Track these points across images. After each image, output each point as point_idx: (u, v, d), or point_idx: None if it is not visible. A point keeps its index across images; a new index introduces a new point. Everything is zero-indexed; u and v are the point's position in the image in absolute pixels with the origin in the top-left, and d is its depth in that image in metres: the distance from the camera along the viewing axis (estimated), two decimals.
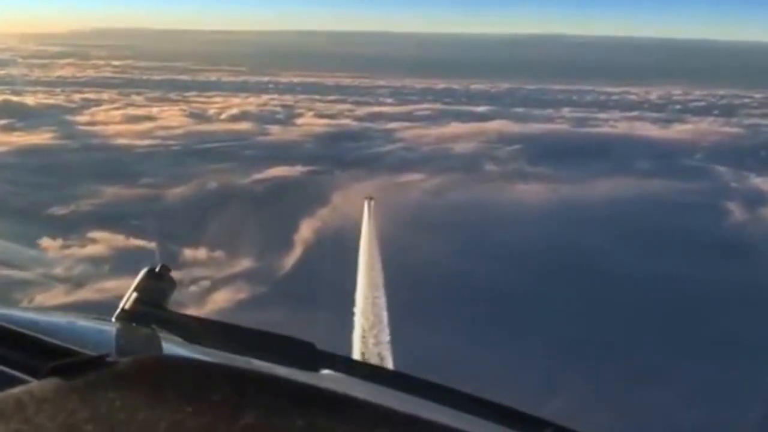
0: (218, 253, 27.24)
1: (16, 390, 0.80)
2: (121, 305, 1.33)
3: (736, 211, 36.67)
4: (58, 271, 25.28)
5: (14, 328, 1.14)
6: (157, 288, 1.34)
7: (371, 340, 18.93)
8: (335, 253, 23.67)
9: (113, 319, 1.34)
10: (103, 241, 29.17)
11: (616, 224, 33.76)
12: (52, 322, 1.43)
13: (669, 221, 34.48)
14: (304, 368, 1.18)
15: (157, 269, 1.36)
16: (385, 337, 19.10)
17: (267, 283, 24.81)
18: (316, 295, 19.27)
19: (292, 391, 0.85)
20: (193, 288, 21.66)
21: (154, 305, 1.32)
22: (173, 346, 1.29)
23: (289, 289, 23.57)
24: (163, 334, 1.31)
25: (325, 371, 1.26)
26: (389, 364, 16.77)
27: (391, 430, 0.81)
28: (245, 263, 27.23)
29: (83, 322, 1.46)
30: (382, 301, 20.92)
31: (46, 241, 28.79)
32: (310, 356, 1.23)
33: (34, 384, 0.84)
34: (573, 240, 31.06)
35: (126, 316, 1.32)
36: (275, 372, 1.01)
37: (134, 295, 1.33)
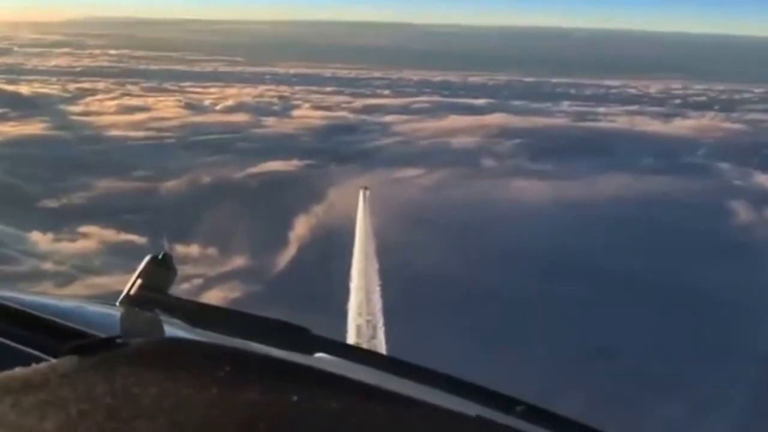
0: (211, 250, 26.81)
1: (42, 365, 0.89)
2: (125, 290, 1.39)
3: (743, 211, 36.13)
4: (48, 266, 24.74)
5: (29, 310, 1.24)
6: (159, 274, 1.39)
7: (364, 327, 19.16)
8: (331, 252, 23.26)
9: (118, 304, 1.39)
10: (94, 236, 28.66)
11: (621, 223, 33.23)
12: (61, 306, 1.48)
13: (675, 220, 33.98)
14: (299, 351, 1.23)
15: (159, 256, 1.40)
16: (379, 324, 19.27)
17: (261, 282, 24.37)
18: (311, 295, 18.86)
19: (290, 370, 0.95)
20: (185, 286, 21.24)
21: (157, 291, 1.37)
22: (175, 330, 1.34)
23: (284, 288, 23.14)
24: (165, 318, 1.36)
25: (319, 354, 1.30)
26: (381, 350, 16.73)
27: (378, 405, 0.89)
28: (239, 261, 26.77)
29: (90, 307, 1.52)
30: (377, 290, 20.99)
31: (35, 235, 28.25)
32: (304, 340, 1.28)
33: (56, 361, 0.93)
34: (576, 238, 30.59)
35: (130, 300, 1.38)
36: (272, 355, 1.08)
37: (138, 281, 1.38)
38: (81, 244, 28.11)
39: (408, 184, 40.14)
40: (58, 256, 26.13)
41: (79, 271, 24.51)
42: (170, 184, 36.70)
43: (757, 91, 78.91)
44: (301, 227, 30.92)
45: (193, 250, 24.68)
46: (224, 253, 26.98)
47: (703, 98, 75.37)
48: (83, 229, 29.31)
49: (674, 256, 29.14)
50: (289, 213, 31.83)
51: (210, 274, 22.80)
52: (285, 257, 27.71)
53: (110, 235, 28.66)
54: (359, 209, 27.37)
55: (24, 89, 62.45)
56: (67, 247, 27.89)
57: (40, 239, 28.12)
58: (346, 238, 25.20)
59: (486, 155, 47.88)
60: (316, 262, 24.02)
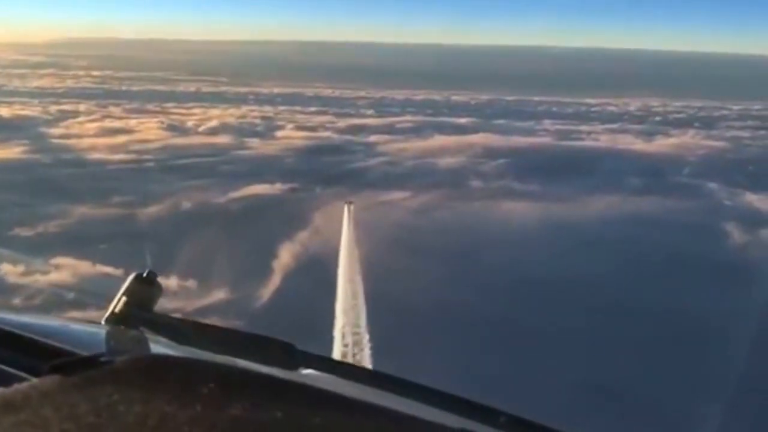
0: (190, 282, 25.94)
1: (23, 385, 0.88)
2: (110, 309, 1.38)
3: (735, 232, 35.83)
4: (18, 301, 23.75)
5: (13, 330, 1.23)
6: (144, 292, 1.40)
7: (350, 341, 19.13)
8: (316, 282, 22.66)
9: (103, 322, 1.39)
10: (68, 268, 27.65)
11: (611, 246, 32.91)
12: (46, 325, 1.48)
13: (665, 242, 33.70)
14: (284, 367, 1.24)
15: (144, 274, 1.41)
16: (364, 339, 19.25)
17: (243, 316, 23.54)
18: (295, 330, 18.20)
19: (273, 386, 0.96)
20: None
21: (142, 308, 1.37)
22: (160, 347, 1.34)
23: (267, 322, 22.37)
24: (150, 336, 1.35)
25: (304, 370, 1.31)
26: (366, 363, 16.66)
27: (361, 420, 0.91)
28: (219, 293, 25.91)
29: (75, 326, 1.53)
30: (362, 304, 20.80)
31: (6, 267, 27.21)
32: (289, 356, 1.28)
33: (39, 380, 0.92)
34: (565, 263, 30.17)
35: (115, 318, 1.38)
36: (257, 370, 1.10)
37: (123, 299, 1.39)
38: (54, 277, 27.12)
39: (395, 207, 39.59)
40: (28, 291, 25.14)
41: (51, 307, 23.54)
42: (150, 211, 35.82)
43: (734, 108, 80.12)
44: (285, 254, 30.13)
45: (172, 282, 23.82)
46: (204, 285, 26.13)
47: (683, 115, 76.28)
48: (57, 260, 28.28)
49: (668, 278, 28.86)
50: (272, 240, 31.07)
51: (188, 309, 21.96)
52: (269, 288, 26.82)
53: (85, 267, 27.69)
54: (344, 223, 27.10)
55: (4, 111, 61.57)
56: (39, 280, 26.88)
57: (10, 271, 27.08)
58: (331, 266, 24.64)
59: (472, 176, 47.58)
60: (301, 292, 23.36)
